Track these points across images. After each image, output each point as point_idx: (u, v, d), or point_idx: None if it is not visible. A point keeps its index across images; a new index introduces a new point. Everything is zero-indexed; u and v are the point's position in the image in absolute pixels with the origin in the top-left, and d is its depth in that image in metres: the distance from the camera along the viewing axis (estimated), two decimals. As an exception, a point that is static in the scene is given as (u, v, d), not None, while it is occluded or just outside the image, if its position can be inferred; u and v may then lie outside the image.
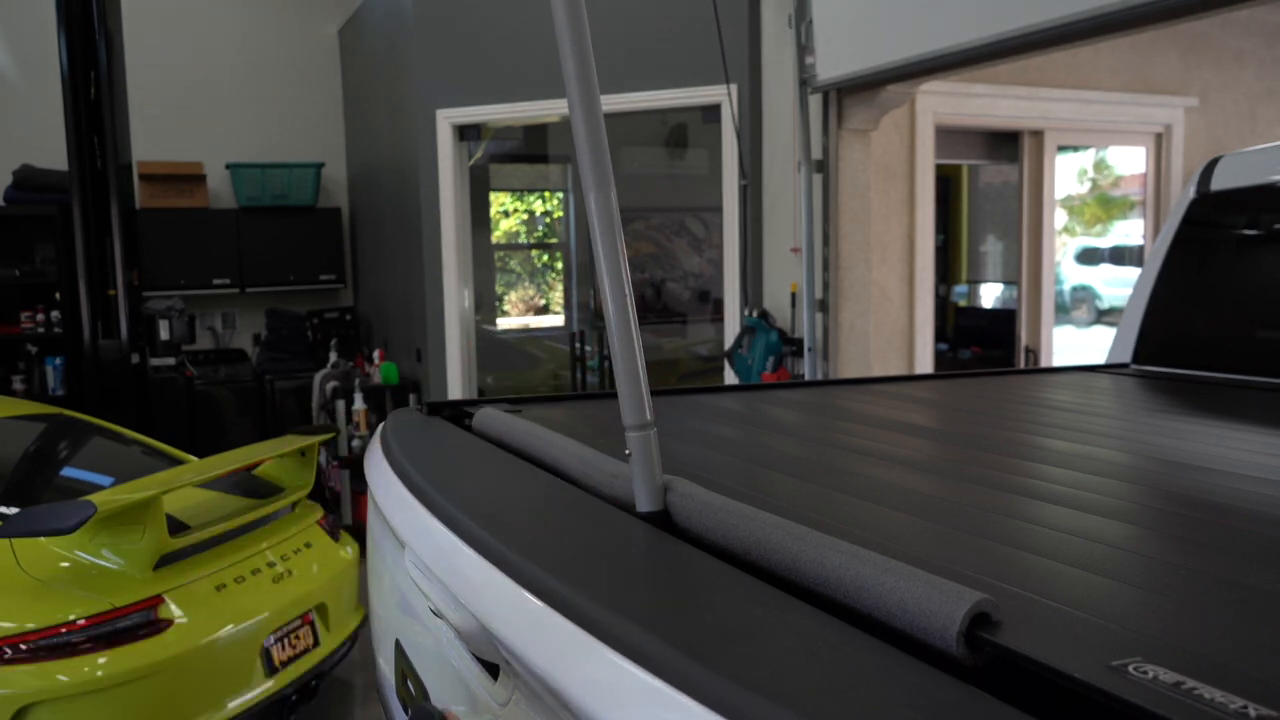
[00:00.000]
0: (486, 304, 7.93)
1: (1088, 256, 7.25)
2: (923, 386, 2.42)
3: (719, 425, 1.86)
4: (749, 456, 1.58)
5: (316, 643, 3.36)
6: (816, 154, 4.58)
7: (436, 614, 1.24)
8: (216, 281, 7.01)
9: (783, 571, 0.94)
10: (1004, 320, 6.31)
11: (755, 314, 4.80)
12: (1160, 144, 5.98)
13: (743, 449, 1.64)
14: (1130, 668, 0.70)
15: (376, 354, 6.66)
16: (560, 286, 8.94)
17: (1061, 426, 1.84)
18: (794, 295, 4.74)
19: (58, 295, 6.43)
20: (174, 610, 2.88)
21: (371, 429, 6.04)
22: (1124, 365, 2.75)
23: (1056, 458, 1.54)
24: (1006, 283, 6.88)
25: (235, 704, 2.98)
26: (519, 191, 8.74)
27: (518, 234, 9.02)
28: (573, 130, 1.16)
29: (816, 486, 1.35)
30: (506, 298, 8.84)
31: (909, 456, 1.55)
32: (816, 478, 1.41)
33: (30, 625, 2.63)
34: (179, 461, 3.77)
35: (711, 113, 5.01)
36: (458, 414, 1.98)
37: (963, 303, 7.39)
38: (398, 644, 1.52)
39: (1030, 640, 0.75)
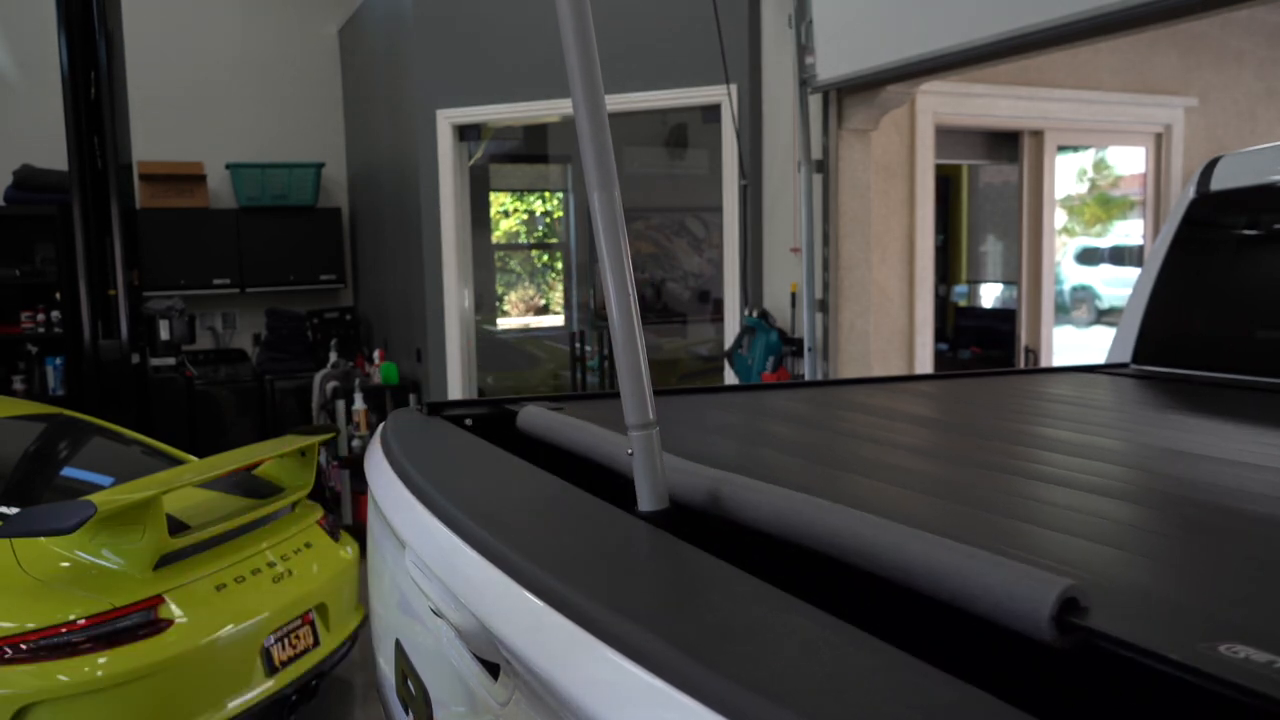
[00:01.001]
0: (486, 304, 7.93)
1: (1088, 256, 7.25)
2: (924, 387, 2.42)
3: (772, 425, 1.86)
4: (760, 457, 1.58)
5: (316, 643, 3.36)
6: (816, 154, 4.58)
7: (437, 614, 1.24)
8: (216, 281, 7.00)
9: (856, 560, 0.96)
10: (1004, 320, 6.31)
11: (755, 314, 4.80)
12: (1160, 144, 5.98)
13: (744, 446, 1.64)
14: (1221, 648, 0.71)
15: (376, 354, 6.65)
16: (560, 286, 8.94)
17: (1080, 421, 1.84)
18: (794, 295, 4.74)
19: (58, 295, 6.43)
20: (174, 610, 2.88)
21: (371, 429, 6.04)
22: (1124, 365, 2.74)
23: (1089, 451, 1.54)
24: (1006, 283, 6.88)
25: (235, 704, 2.98)
26: (519, 191, 8.74)
27: (518, 234, 9.01)
28: (577, 130, 1.16)
29: (842, 474, 1.36)
30: (506, 298, 8.83)
31: (956, 451, 1.55)
32: (838, 468, 1.41)
33: (30, 625, 2.63)
34: (179, 461, 3.77)
35: (711, 113, 5.00)
36: (461, 415, 1.98)
37: (963, 303, 7.39)
38: (398, 644, 1.52)
39: (1120, 623, 0.76)
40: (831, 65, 4.33)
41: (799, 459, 1.55)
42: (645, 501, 1.16)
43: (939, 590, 0.86)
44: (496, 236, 8.59)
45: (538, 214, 8.91)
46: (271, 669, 3.12)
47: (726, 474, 1.20)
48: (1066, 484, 1.34)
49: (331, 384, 6.34)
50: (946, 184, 7.11)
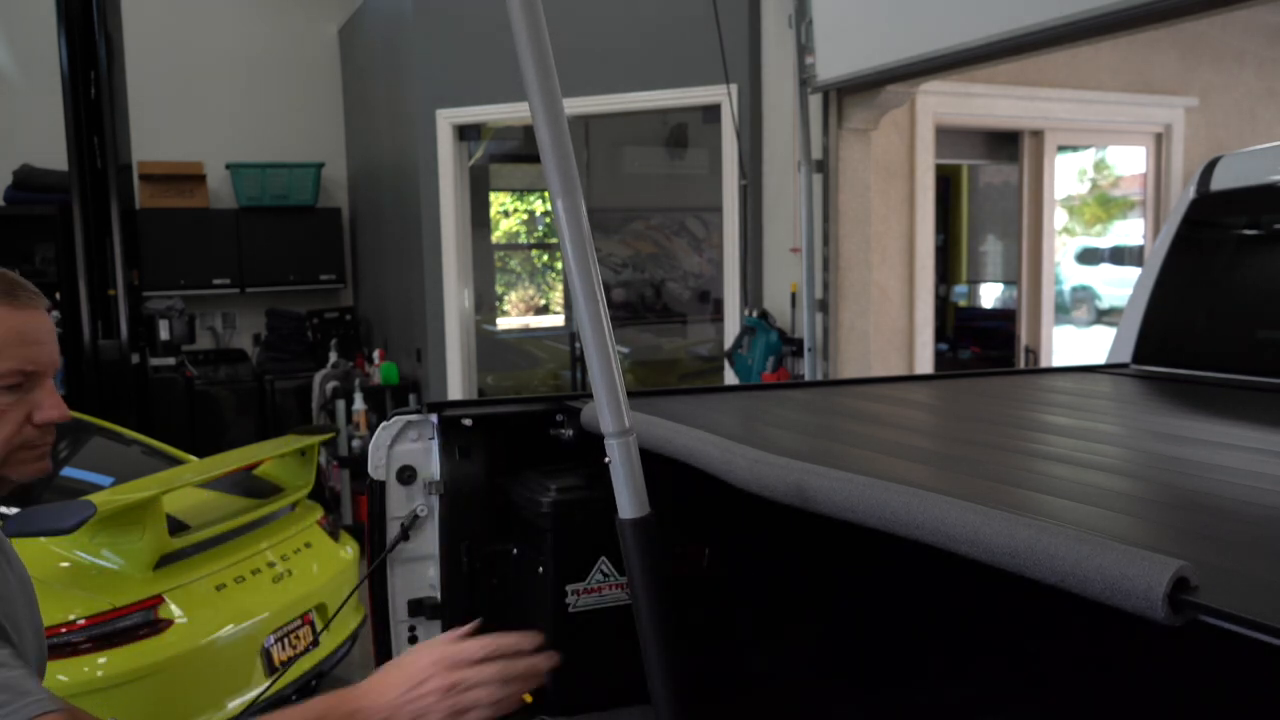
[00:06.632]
0: (486, 304, 7.93)
1: (1088, 256, 7.25)
2: (928, 387, 2.42)
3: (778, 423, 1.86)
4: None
5: (316, 643, 3.36)
6: (816, 154, 4.57)
7: None
8: (216, 281, 7.00)
9: (965, 549, 1.00)
10: (1004, 320, 6.31)
11: (755, 314, 4.79)
12: (1160, 144, 5.97)
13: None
14: None
15: (376, 354, 6.65)
16: (560, 286, 8.93)
17: (1080, 422, 1.84)
18: (794, 295, 4.73)
19: (58, 295, 6.41)
20: (174, 610, 2.88)
21: (371, 429, 6.03)
22: (1124, 365, 2.74)
23: (1094, 462, 1.54)
24: (1006, 283, 6.87)
25: (235, 704, 2.98)
26: (519, 191, 8.74)
27: (518, 234, 9.01)
28: (537, 139, 1.15)
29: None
30: (506, 298, 8.83)
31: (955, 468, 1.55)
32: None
33: (30, 625, 2.63)
34: (179, 461, 3.77)
35: (711, 113, 5.00)
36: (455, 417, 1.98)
37: (963, 303, 7.38)
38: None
39: (1231, 601, 0.81)
40: (831, 65, 4.33)
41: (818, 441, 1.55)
42: (626, 509, 1.17)
43: (1049, 574, 0.90)
44: (496, 236, 8.59)
45: (538, 214, 8.90)
46: (271, 669, 3.12)
47: (815, 466, 1.23)
48: (1071, 497, 1.34)
49: (331, 384, 6.34)
50: (946, 184, 7.10)
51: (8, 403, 1.17)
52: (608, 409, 1.16)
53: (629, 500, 1.17)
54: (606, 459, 1.18)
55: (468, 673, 1.12)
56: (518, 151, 7.41)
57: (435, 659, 1.12)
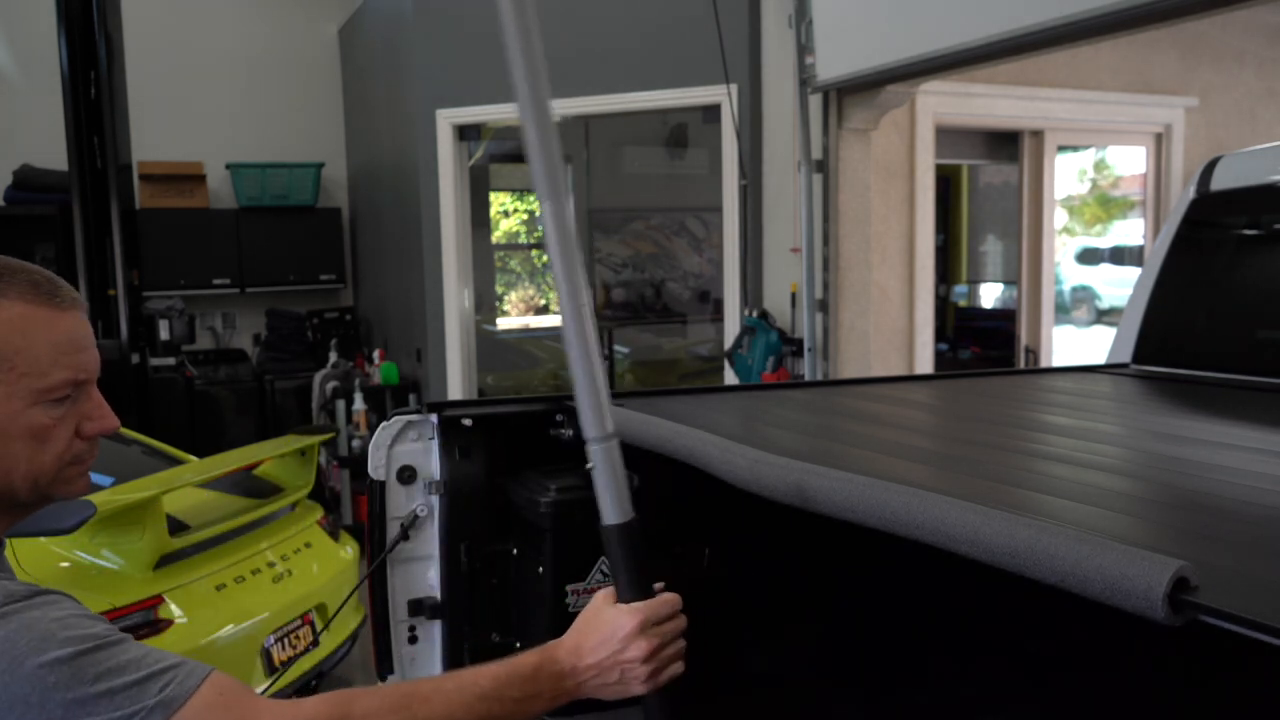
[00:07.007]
0: (486, 304, 7.93)
1: (1088, 256, 7.25)
2: (928, 387, 2.42)
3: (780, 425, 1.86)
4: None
5: (316, 643, 3.36)
6: (816, 154, 4.57)
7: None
8: (216, 281, 6.99)
9: (965, 549, 1.00)
10: (1004, 320, 6.31)
11: (755, 314, 4.79)
12: (1160, 144, 5.97)
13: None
14: None
15: (376, 354, 6.65)
16: (560, 286, 8.93)
17: (1080, 422, 1.84)
18: (794, 295, 4.73)
19: (58, 295, 6.41)
20: (174, 610, 2.88)
21: (371, 429, 6.03)
22: (1124, 365, 2.74)
23: (1095, 463, 1.54)
24: (1006, 283, 6.88)
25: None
26: (519, 191, 8.74)
27: (518, 234, 9.01)
28: (524, 141, 1.15)
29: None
30: (506, 298, 8.83)
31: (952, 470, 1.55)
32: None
33: (30, 625, 2.62)
34: (179, 461, 3.77)
35: (711, 113, 5.00)
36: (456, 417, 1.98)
37: (963, 303, 7.38)
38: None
39: (1231, 601, 0.81)
40: (831, 65, 4.33)
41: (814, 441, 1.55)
42: (609, 515, 1.17)
43: (1049, 574, 0.90)
44: (496, 236, 8.59)
45: (538, 214, 8.90)
46: (271, 669, 3.12)
47: (816, 466, 1.23)
48: (1071, 497, 1.34)
49: (331, 384, 6.34)
50: (946, 184, 7.10)
51: (58, 416, 1.09)
52: (590, 413, 1.16)
53: (611, 505, 1.17)
54: (589, 464, 1.17)
55: (666, 628, 1.15)
56: (518, 151, 7.41)
57: (639, 623, 1.13)
